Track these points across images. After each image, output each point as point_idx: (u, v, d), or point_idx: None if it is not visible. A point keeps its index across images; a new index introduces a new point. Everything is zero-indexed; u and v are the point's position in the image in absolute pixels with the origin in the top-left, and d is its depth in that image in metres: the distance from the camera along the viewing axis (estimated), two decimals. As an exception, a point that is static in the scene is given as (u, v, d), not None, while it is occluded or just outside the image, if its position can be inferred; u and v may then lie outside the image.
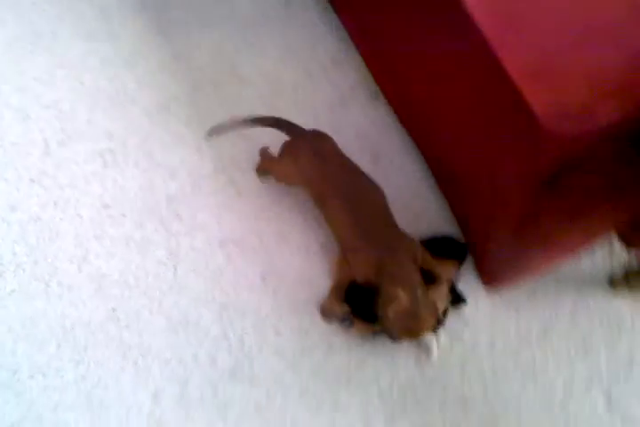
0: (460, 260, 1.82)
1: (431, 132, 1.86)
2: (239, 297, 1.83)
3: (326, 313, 1.78)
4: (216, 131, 1.84)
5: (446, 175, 1.89)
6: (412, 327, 1.63)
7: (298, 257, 1.87)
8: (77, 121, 1.96)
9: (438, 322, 1.69)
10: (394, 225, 1.73)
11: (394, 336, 1.65)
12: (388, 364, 1.79)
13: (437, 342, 1.77)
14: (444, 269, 1.75)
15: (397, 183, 1.94)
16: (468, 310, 1.83)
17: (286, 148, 1.78)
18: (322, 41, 2.10)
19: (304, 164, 1.73)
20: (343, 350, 1.79)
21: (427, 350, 1.78)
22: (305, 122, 1.91)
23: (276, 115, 1.89)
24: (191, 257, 1.86)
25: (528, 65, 1.22)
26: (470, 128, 1.57)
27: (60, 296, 1.81)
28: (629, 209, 1.53)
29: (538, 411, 1.77)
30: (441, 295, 1.69)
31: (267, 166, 1.88)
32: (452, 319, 1.80)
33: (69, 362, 1.77)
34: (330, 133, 1.90)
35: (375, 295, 1.64)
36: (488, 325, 1.83)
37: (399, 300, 1.60)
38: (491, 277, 1.84)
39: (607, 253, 1.89)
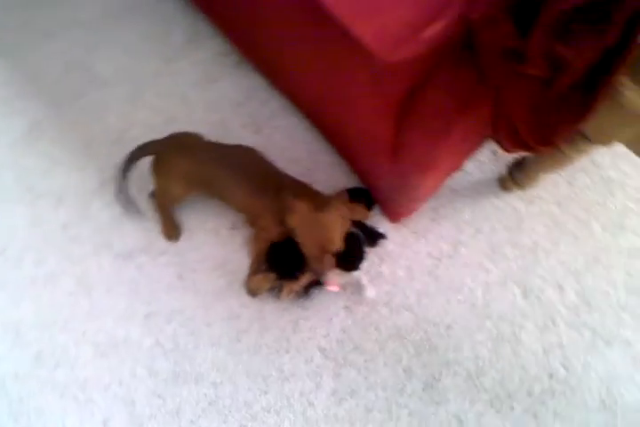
0: (368, 205, 1.16)
1: (299, 88, 1.17)
2: (161, 302, 1.13)
3: (254, 289, 1.10)
4: (123, 196, 1.11)
5: (326, 126, 1.21)
6: (321, 237, 0.97)
7: (208, 247, 1.17)
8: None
9: (359, 256, 1.05)
10: (280, 174, 1.08)
11: (311, 254, 0.98)
12: (320, 320, 1.13)
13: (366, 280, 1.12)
14: (356, 212, 1.09)
15: (286, 144, 1.25)
16: (381, 248, 1.17)
17: (154, 170, 1.07)
18: (174, 24, 1.32)
19: (178, 172, 1.05)
20: (276, 321, 1.12)
21: (358, 288, 1.13)
22: (175, 107, 1.22)
23: (146, 108, 1.21)
24: (102, 278, 1.14)
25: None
26: (327, 76, 0.95)
27: (-21, 356, 1.08)
28: (496, 116, 0.91)
29: (466, 318, 1.16)
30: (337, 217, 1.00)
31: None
32: (370, 259, 1.16)
33: (8, 418, 1.04)
34: (207, 111, 1.23)
35: (295, 244, 0.99)
36: (402, 256, 1.19)
37: (299, 207, 0.97)
38: (393, 212, 1.19)
39: (491, 157, 1.26)
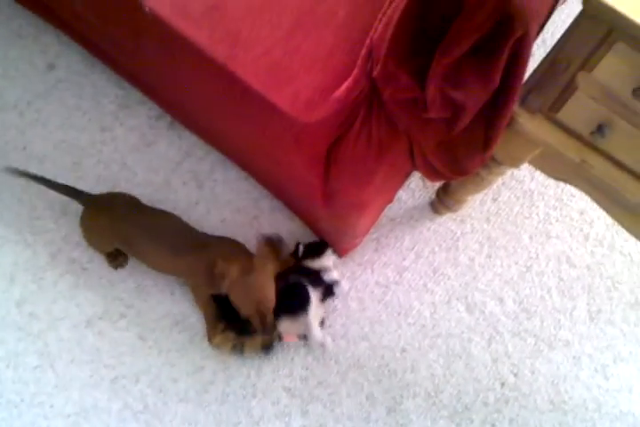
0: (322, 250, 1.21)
1: (231, 146, 1.24)
2: (125, 365, 1.17)
3: (218, 347, 1.15)
4: (16, 172, 1.14)
5: (261, 178, 1.28)
6: (254, 298, 1.01)
7: (165, 305, 1.22)
8: None
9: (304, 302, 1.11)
10: (200, 234, 1.14)
11: (249, 315, 1.03)
12: (282, 360, 1.19)
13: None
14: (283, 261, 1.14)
15: (229, 196, 1.30)
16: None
17: (80, 220, 1.13)
18: (103, 95, 1.35)
19: (98, 228, 1.11)
20: (239, 368, 1.18)
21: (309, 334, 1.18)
22: (117, 173, 1.27)
23: (88, 177, 1.27)
24: (63, 349, 1.17)
25: (262, 72, 0.88)
26: (254, 137, 1.03)
27: (-51, 445, 1.10)
28: (413, 156, 1.00)
29: (418, 340, 1.24)
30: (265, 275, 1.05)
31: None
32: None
33: None
34: (149, 173, 1.29)
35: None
36: (352, 288, 1.26)
37: (229, 272, 1.01)
38: (339, 248, 1.25)
39: (421, 185, 1.35)
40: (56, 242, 1.23)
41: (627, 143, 0.81)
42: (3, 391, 1.12)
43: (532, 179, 1.38)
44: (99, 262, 1.22)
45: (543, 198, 1.37)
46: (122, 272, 1.23)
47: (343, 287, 1.23)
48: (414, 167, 1.06)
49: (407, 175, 1.19)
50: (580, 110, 0.82)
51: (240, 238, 1.17)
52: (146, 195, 1.23)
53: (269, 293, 1.03)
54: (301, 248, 1.19)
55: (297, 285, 1.10)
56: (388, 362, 1.21)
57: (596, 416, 1.21)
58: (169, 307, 1.21)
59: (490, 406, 1.20)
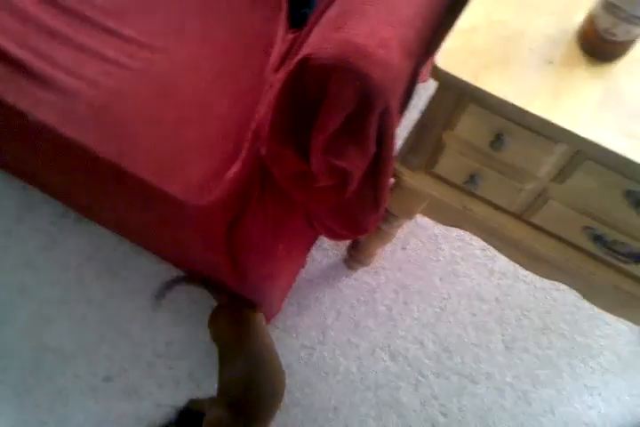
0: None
1: (135, 234, 1.27)
2: None
3: None
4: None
5: (173, 261, 1.31)
6: None
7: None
8: None
9: None
10: None
11: None
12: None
13: None
14: None
15: (143, 283, 1.32)
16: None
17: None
18: (4, 198, 1.35)
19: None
20: None
21: None
22: (26, 275, 1.28)
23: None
24: None
25: (152, 165, 0.94)
26: (154, 226, 1.09)
27: None
28: (312, 222, 1.08)
29: (349, 396, 1.29)
30: None
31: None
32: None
33: None
34: (60, 271, 1.30)
35: None
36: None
37: None
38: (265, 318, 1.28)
39: (333, 244, 1.43)
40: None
41: (497, 188, 0.90)
42: None
43: (435, 224, 1.49)
44: (18, 368, 1.19)
45: (447, 241, 1.48)
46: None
47: None
48: (317, 232, 1.13)
49: (313, 240, 1.26)
50: (452, 164, 0.91)
51: (156, 323, 1.18)
52: (58, 297, 1.24)
53: None
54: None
55: None
56: (322, 424, 1.24)
57: (525, 442, 1.30)
58: (93, 406, 1.20)
59: (426, 451, 1.26)
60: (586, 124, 0.69)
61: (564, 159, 0.77)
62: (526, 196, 0.88)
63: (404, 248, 1.45)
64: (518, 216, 0.94)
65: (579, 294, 1.02)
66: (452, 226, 1.10)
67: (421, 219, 1.49)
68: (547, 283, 1.45)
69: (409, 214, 1.13)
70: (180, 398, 1.21)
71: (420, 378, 1.32)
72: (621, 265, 0.89)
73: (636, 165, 0.68)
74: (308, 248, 1.25)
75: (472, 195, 0.97)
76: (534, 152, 0.77)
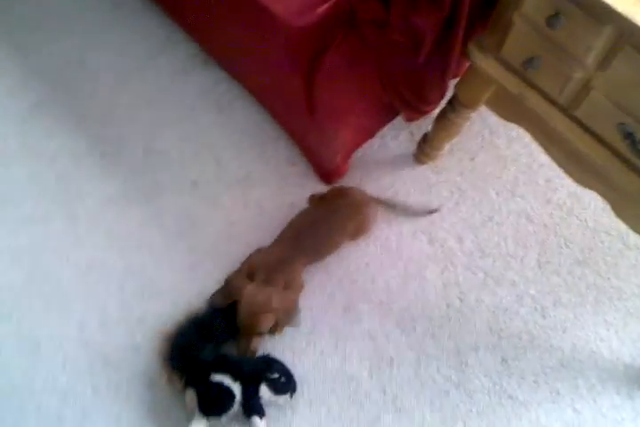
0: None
1: (244, 73, 1.53)
2: (132, 238, 1.44)
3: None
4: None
5: (265, 98, 1.54)
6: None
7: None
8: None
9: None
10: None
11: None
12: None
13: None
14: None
15: (243, 124, 1.59)
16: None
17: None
18: (152, 32, 1.69)
19: None
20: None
21: None
22: (154, 93, 1.58)
23: (130, 92, 1.59)
24: (86, 216, 1.45)
25: None
26: (257, 43, 1.26)
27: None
28: (383, 80, 1.24)
29: (381, 259, 1.45)
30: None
31: None
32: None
33: (2, 319, 1.33)
34: (180, 97, 1.59)
35: None
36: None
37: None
38: (325, 172, 1.49)
39: (409, 138, 1.60)
40: (94, 137, 1.55)
41: (550, 74, 1.04)
42: (32, 243, 1.41)
43: (508, 147, 1.62)
44: (127, 156, 1.52)
45: (515, 164, 1.60)
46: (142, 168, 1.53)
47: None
48: (386, 94, 1.29)
49: (385, 117, 1.43)
50: (516, 45, 1.05)
51: (244, 157, 1.45)
52: (176, 112, 1.55)
53: (266, 323, 1.20)
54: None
55: (220, 386, 1.17)
56: (352, 272, 1.43)
57: (528, 346, 1.39)
58: (177, 201, 1.49)
59: (433, 321, 1.40)
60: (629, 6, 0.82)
61: (609, 43, 0.89)
62: (574, 85, 1.00)
63: (471, 159, 1.60)
64: (564, 110, 1.07)
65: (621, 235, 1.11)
66: (509, 121, 1.24)
67: (497, 139, 1.63)
68: (598, 225, 1.53)
69: (474, 103, 1.28)
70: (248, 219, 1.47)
71: (449, 266, 1.47)
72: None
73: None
74: (378, 121, 1.43)
75: (529, 83, 1.09)
76: (584, 34, 0.91)
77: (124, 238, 1.43)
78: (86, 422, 1.25)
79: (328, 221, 1.33)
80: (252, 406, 1.19)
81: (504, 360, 1.37)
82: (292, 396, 1.25)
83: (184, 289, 1.37)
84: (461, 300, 1.43)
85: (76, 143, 1.54)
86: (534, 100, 1.11)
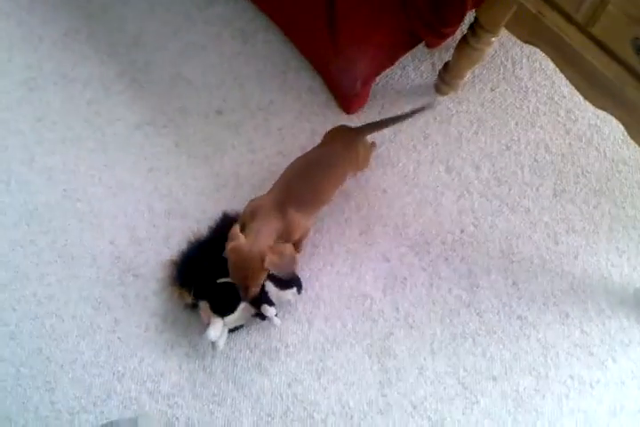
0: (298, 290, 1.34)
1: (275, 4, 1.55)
2: (161, 161, 1.51)
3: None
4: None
5: (286, 25, 1.57)
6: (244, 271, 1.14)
7: (200, 126, 1.55)
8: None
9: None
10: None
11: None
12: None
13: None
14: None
15: (266, 53, 1.62)
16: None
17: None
18: None
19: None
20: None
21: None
22: (181, 20, 1.63)
23: (158, 20, 1.62)
24: (116, 140, 1.52)
25: None
26: None
27: (20, 190, 1.47)
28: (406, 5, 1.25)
29: (398, 186, 1.50)
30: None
31: None
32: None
33: (40, 233, 1.43)
34: (206, 25, 1.63)
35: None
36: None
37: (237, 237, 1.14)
38: (347, 101, 1.53)
39: (430, 69, 1.62)
40: (122, 63, 1.60)
41: None
42: (66, 162, 1.49)
43: (530, 78, 1.62)
44: (157, 84, 1.58)
45: (536, 95, 1.61)
46: (171, 95, 1.57)
47: (274, 320, 1.30)
48: (406, 17, 1.30)
49: (404, 36, 1.42)
50: None
51: (267, 85, 1.50)
52: (202, 41, 1.59)
53: (258, 276, 1.14)
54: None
55: (227, 284, 1.22)
56: (368, 198, 1.48)
57: (539, 270, 1.44)
58: (203, 127, 1.55)
59: (447, 245, 1.45)
60: None
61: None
62: (591, 1, 1.00)
63: (492, 90, 1.61)
64: (581, 27, 1.07)
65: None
66: (528, 42, 1.24)
67: (519, 70, 1.63)
68: (617, 155, 1.54)
69: (495, 26, 1.29)
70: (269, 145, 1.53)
71: (464, 193, 1.50)
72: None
73: None
74: (399, 47, 1.43)
75: (547, 1, 1.09)
76: None
77: (152, 162, 1.50)
78: (118, 329, 1.35)
79: (319, 164, 1.29)
80: (261, 299, 1.27)
81: (515, 283, 1.42)
82: (299, 291, 1.34)
83: (208, 210, 1.44)
84: (475, 226, 1.47)
85: (107, 70, 1.59)
86: (552, 19, 1.11)
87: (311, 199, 1.27)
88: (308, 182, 1.26)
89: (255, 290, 1.17)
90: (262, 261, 1.10)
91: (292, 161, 1.31)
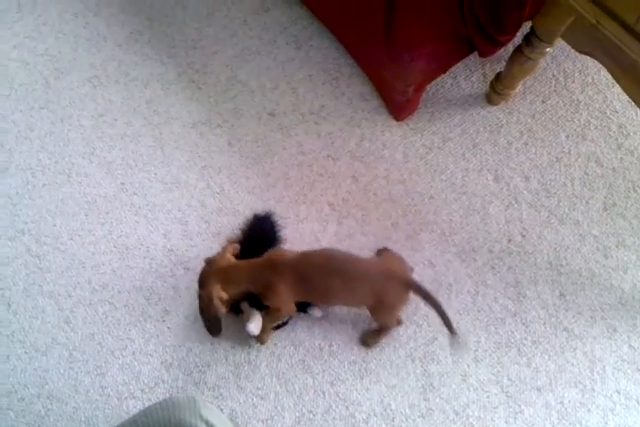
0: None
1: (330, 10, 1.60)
2: (214, 160, 1.57)
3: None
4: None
5: (339, 30, 1.62)
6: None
7: (253, 126, 1.61)
8: (65, 60, 1.69)
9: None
10: None
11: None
12: (332, 183, 1.54)
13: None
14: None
15: (319, 59, 1.68)
16: (384, 136, 1.58)
17: None
18: None
19: None
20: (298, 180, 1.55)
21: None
22: (239, 26, 1.71)
23: (214, 24, 1.70)
24: (172, 138, 1.59)
25: None
26: None
27: (80, 182, 1.54)
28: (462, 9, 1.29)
29: (446, 193, 1.54)
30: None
31: None
32: (374, 145, 1.57)
33: (97, 224, 1.49)
34: (262, 30, 1.70)
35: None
36: (401, 144, 1.58)
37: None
38: (397, 108, 1.57)
39: (481, 79, 1.66)
40: (181, 65, 1.68)
41: (630, 2, 1.08)
42: (124, 157, 1.56)
43: (582, 92, 1.64)
44: (213, 84, 1.65)
45: (588, 109, 1.63)
46: (227, 94, 1.64)
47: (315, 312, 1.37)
48: (463, 25, 1.35)
49: (458, 43, 1.46)
50: None
51: (319, 90, 1.57)
52: (257, 46, 1.67)
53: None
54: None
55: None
56: (416, 203, 1.52)
57: (587, 282, 1.44)
58: (255, 128, 1.61)
59: (494, 254, 1.47)
60: None
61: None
62: None
63: (544, 102, 1.63)
64: None
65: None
66: (584, 52, 1.26)
67: (571, 83, 1.65)
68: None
69: (551, 36, 1.32)
70: (319, 148, 1.58)
71: (513, 203, 1.53)
72: None
73: None
74: (453, 54, 1.47)
75: (606, 11, 1.12)
76: None
77: (206, 160, 1.57)
78: (167, 319, 1.40)
79: (351, 278, 1.21)
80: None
81: (562, 295, 1.43)
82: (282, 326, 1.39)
83: (257, 209, 1.49)
84: (523, 236, 1.49)
85: (166, 71, 1.67)
86: (611, 29, 1.14)
87: (315, 292, 1.25)
88: (327, 278, 1.20)
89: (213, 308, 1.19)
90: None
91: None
